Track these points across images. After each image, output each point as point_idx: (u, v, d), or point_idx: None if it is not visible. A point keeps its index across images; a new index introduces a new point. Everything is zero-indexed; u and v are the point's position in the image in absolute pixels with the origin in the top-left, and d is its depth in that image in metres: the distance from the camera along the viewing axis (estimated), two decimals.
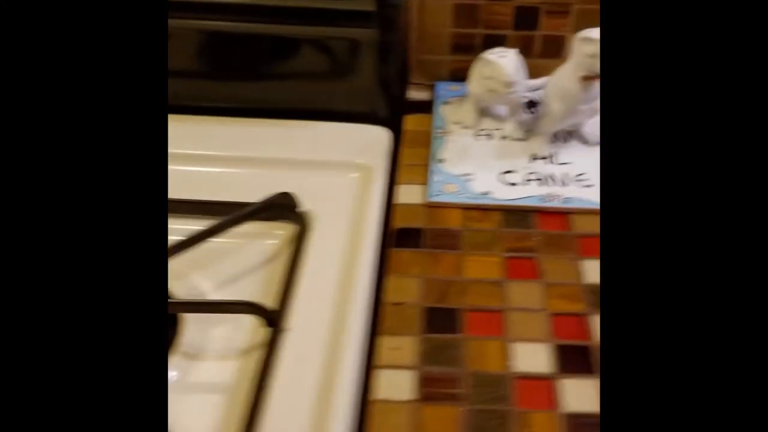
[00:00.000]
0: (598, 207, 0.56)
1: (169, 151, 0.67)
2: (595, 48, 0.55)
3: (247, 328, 0.52)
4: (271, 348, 0.49)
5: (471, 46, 0.67)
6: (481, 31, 0.66)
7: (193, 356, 0.50)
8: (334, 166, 0.63)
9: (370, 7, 0.61)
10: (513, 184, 0.58)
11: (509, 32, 0.66)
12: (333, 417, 0.44)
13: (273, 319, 0.50)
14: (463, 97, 0.66)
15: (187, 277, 0.55)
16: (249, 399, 0.46)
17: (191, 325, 0.52)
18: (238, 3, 0.64)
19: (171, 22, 0.64)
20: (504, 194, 0.58)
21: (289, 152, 0.64)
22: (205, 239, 0.55)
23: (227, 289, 0.55)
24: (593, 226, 0.55)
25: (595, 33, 0.55)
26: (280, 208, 0.58)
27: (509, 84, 0.59)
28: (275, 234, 0.59)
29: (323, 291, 0.53)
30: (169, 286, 0.54)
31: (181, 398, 0.48)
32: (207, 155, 0.64)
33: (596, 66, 0.55)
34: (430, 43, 0.68)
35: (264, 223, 0.59)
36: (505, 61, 0.59)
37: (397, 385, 0.45)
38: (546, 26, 0.65)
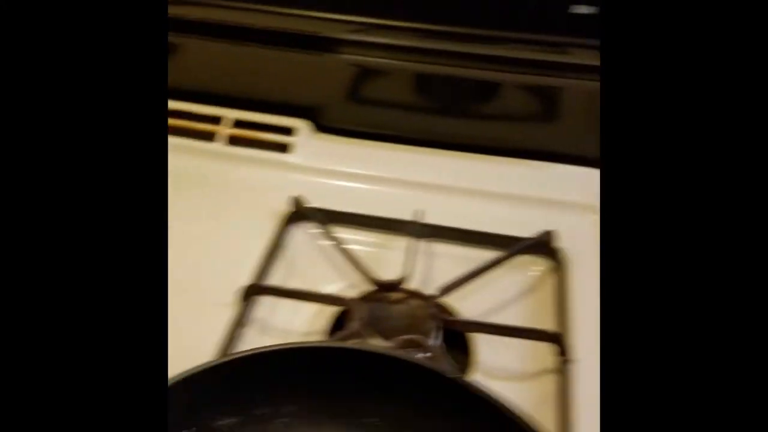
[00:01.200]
0: None
1: (412, 179, 0.66)
2: None
3: (531, 352, 0.53)
4: (565, 377, 0.50)
5: None
6: None
7: (492, 375, 0.51)
8: (572, 207, 0.63)
9: (596, 61, 0.62)
10: None
11: None
12: None
13: (563, 348, 0.51)
14: None
15: (465, 298, 0.56)
16: (554, 423, 0.47)
17: (482, 346, 0.53)
18: (471, 52, 0.66)
19: (394, 63, 0.66)
20: None
21: (528, 190, 0.65)
22: (492, 268, 0.56)
23: (499, 313, 0.56)
24: None
25: None
26: (542, 244, 0.59)
27: None
28: (533, 267, 0.59)
29: (594, 327, 0.54)
30: (454, 307, 0.55)
31: None
32: (469, 189, 0.65)
33: None
34: None
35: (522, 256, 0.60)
36: None
37: None
38: None
